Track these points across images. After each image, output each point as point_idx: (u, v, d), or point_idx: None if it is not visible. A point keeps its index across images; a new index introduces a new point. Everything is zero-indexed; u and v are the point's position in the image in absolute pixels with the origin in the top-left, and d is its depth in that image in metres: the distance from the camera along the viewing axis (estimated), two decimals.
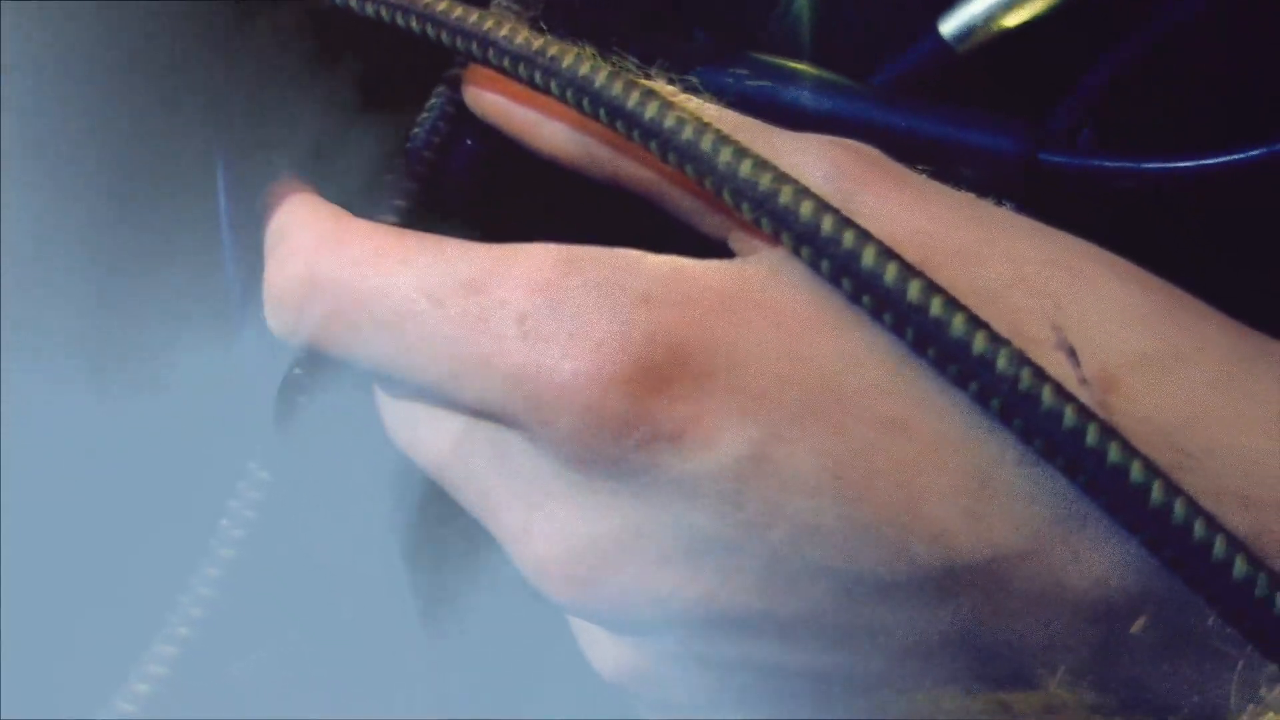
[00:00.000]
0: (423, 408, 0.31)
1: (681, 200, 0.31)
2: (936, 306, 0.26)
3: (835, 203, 0.27)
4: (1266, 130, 0.32)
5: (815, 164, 0.29)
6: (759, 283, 0.28)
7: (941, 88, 0.35)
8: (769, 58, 0.36)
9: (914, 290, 0.26)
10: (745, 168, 0.28)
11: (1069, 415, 0.25)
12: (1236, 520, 0.26)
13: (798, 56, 0.36)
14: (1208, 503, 0.26)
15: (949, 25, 0.35)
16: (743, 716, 0.30)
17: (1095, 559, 0.27)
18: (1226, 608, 0.25)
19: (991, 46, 0.35)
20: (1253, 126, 0.32)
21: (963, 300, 0.26)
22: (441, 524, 0.33)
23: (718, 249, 0.30)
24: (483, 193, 0.35)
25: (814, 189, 0.27)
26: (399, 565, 0.35)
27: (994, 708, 0.29)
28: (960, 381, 0.26)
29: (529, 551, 0.29)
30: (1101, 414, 0.26)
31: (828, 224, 0.27)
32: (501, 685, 0.36)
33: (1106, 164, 0.33)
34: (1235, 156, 0.31)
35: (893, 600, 0.27)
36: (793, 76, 0.35)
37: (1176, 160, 0.32)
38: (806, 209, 0.27)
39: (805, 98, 0.35)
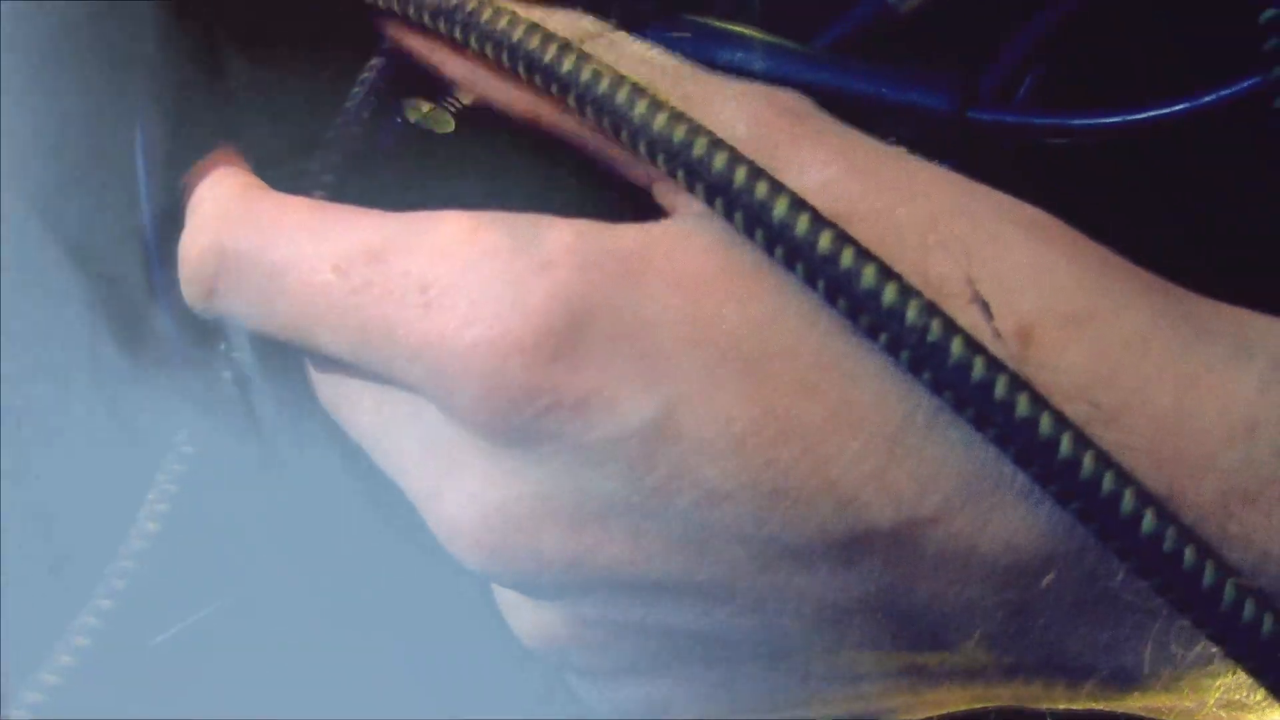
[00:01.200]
0: (343, 373, 0.30)
1: (608, 149, 0.30)
2: (848, 258, 0.26)
3: (757, 155, 0.27)
4: (1194, 86, 0.31)
5: (737, 116, 0.28)
6: (668, 246, 0.27)
7: (885, 48, 0.35)
8: (702, 18, 0.35)
9: (825, 241, 0.26)
10: (660, 121, 0.27)
11: (978, 367, 0.25)
12: (1148, 476, 0.25)
13: (744, 19, 0.36)
14: (1120, 459, 0.25)
15: None
16: (664, 681, 0.30)
17: (1004, 522, 0.26)
18: (1136, 562, 0.25)
19: (934, 4, 0.35)
20: (1184, 83, 0.32)
21: (877, 253, 0.26)
22: (370, 495, 0.33)
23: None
24: (411, 170, 0.35)
25: (735, 141, 0.27)
26: (325, 536, 0.35)
27: (912, 671, 0.29)
28: (871, 333, 0.26)
29: (443, 517, 0.29)
30: (1015, 368, 0.25)
31: (740, 176, 0.26)
32: (434, 655, 0.36)
33: (1035, 120, 0.32)
34: (1159, 112, 0.31)
35: (804, 565, 0.27)
36: (724, 37, 0.34)
37: (1104, 116, 0.32)
38: (719, 161, 0.27)
39: (737, 58, 0.34)
